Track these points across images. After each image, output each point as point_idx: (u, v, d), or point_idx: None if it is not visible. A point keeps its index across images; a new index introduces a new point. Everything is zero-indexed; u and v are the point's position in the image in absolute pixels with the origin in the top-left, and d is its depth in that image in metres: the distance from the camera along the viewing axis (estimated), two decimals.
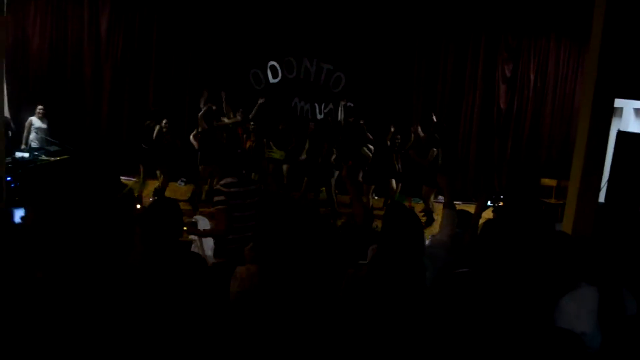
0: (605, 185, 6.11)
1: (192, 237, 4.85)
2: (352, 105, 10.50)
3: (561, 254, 2.49)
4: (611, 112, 5.50)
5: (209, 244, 4.97)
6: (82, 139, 9.93)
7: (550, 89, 10.90)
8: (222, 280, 2.91)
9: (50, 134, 9.10)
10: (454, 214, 2.94)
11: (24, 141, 8.80)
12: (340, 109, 9.87)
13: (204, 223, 5.04)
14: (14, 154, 7.86)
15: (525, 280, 2.36)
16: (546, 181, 10.33)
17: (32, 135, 8.86)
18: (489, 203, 5.06)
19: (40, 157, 8.13)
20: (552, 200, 10.00)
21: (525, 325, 2.29)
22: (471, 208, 7.33)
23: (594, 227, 5.54)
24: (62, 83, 10.36)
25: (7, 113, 8.56)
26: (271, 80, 10.58)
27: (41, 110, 9.06)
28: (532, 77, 10.85)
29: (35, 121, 8.94)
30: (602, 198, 6.14)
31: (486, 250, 2.44)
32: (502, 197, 4.87)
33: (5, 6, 5.21)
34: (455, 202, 8.34)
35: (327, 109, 10.61)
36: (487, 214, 5.19)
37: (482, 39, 10.69)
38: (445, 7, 10.43)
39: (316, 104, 10.64)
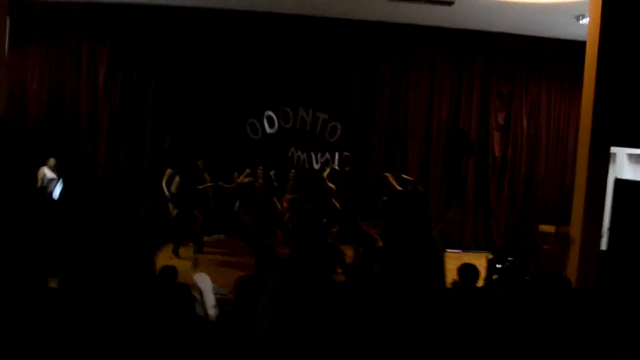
0: (607, 232, 6.13)
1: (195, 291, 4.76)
2: (348, 154, 10.59)
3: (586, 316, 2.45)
4: (607, 161, 5.58)
5: (210, 300, 4.89)
6: (78, 184, 9.85)
7: (543, 135, 11.07)
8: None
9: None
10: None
11: None
12: (336, 157, 10.00)
13: (205, 281, 4.95)
14: None
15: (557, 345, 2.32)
16: (544, 227, 10.29)
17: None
18: (497, 265, 5.02)
19: None
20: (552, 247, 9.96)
21: None
22: (469, 256, 7.30)
23: (598, 274, 5.53)
24: (59, 130, 10.36)
25: None
26: (268, 130, 10.66)
27: (54, 162, 9.18)
28: (524, 123, 11.01)
29: (48, 172, 8.96)
30: (604, 245, 6.15)
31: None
32: (507, 257, 4.82)
33: (6, 47, 5.28)
34: (454, 251, 8.27)
35: (324, 158, 10.67)
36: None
37: (474, 88, 10.90)
38: (438, 57, 10.70)
39: (312, 154, 10.70)
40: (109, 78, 10.56)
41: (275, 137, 10.68)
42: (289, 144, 10.68)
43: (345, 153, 10.63)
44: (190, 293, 3.48)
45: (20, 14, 9.47)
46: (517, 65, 10.83)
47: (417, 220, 2.69)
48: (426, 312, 2.48)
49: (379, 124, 10.84)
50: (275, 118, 10.67)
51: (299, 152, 10.68)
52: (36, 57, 10.46)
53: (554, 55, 10.54)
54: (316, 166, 10.59)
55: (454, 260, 4.71)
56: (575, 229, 5.55)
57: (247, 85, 10.52)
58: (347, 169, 10.46)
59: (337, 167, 9.63)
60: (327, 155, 10.67)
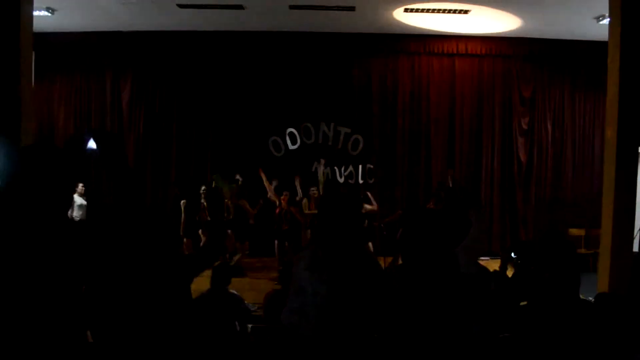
0: (638, 234, 6.00)
1: None
2: (371, 167, 10.58)
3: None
4: (636, 161, 5.48)
5: None
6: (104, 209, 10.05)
7: (568, 138, 10.93)
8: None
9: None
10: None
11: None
12: (359, 171, 10.02)
13: None
14: None
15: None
16: (574, 231, 10.16)
17: (76, 212, 9.00)
18: (512, 255, 4.93)
19: None
20: (583, 250, 9.81)
21: None
22: (498, 263, 7.18)
23: (631, 276, 5.41)
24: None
25: None
26: (290, 146, 10.71)
27: (82, 189, 9.28)
28: (549, 127, 10.89)
29: (77, 199, 9.12)
30: (635, 247, 6.02)
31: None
32: (524, 247, 4.73)
33: (33, 81, 5.46)
34: (482, 258, 8.14)
35: (347, 171, 10.67)
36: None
37: (496, 94, 10.84)
38: (458, 65, 10.71)
39: (336, 168, 10.71)
40: (132, 106, 10.85)
41: (298, 153, 10.73)
42: (312, 159, 10.72)
43: (369, 165, 10.62)
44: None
45: (45, 47, 9.78)
46: (538, 69, 10.77)
47: (433, 235, 2.74)
48: (445, 322, 2.48)
49: (401, 135, 10.86)
50: (297, 134, 10.72)
51: (323, 167, 10.70)
52: (62, 90, 10.83)
53: (575, 57, 10.46)
54: (340, 180, 10.59)
55: None
56: (606, 232, 5.44)
57: (268, 104, 10.66)
58: (372, 181, 10.45)
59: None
60: (351, 168, 10.67)
